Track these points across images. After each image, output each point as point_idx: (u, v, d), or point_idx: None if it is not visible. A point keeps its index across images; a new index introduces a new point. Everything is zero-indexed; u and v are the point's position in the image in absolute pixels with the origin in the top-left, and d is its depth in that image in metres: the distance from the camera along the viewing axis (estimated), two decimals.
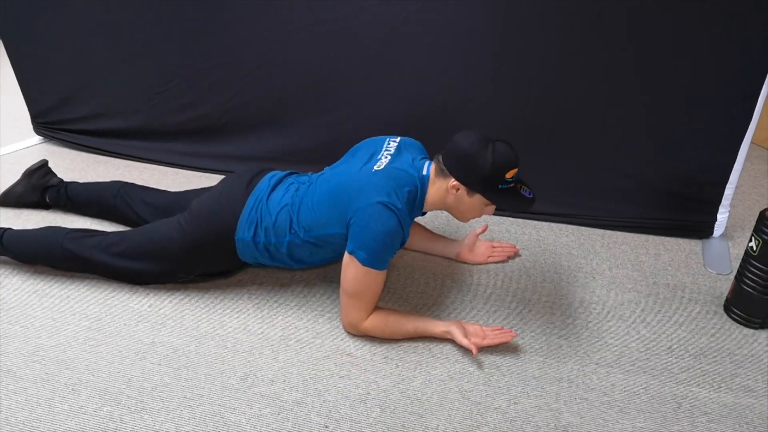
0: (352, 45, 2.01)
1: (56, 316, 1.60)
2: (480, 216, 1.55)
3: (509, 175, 1.43)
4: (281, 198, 1.59)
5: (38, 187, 2.05)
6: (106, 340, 1.53)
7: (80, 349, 1.50)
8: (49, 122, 2.59)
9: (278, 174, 1.68)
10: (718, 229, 1.98)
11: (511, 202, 1.47)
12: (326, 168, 1.67)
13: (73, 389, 1.38)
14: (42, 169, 2.08)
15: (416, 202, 1.51)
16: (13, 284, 1.71)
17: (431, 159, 1.57)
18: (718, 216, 1.96)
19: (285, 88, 2.17)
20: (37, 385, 1.39)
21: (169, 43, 2.22)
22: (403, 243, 1.48)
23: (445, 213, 2.07)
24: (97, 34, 2.28)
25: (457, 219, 1.58)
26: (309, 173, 1.69)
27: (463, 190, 1.47)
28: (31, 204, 2.07)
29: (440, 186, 1.50)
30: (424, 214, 1.63)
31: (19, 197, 2.06)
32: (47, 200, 2.05)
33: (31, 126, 2.65)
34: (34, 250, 1.73)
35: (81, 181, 2.11)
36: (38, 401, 1.35)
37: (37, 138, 2.66)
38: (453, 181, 1.46)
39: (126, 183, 1.98)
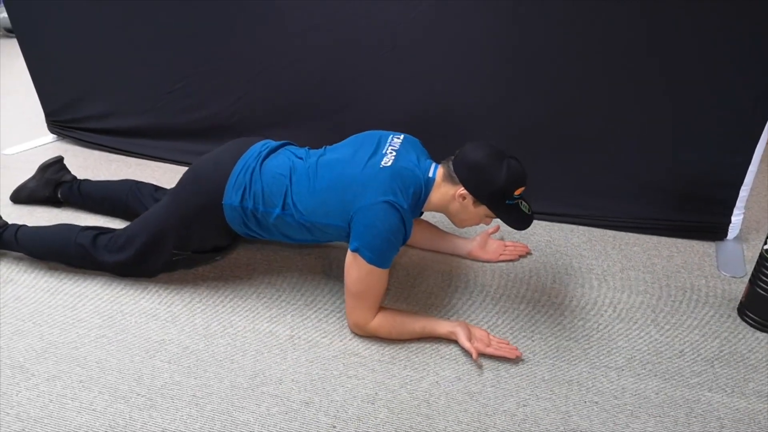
0: (360, 46, 2.01)
1: (69, 313, 1.62)
2: (477, 225, 1.58)
3: (517, 192, 1.46)
4: (276, 167, 1.57)
5: (52, 182, 2.07)
6: (117, 338, 1.54)
7: (92, 347, 1.51)
8: (62, 120, 2.62)
9: (271, 143, 1.67)
10: (733, 231, 1.95)
11: (513, 217, 1.50)
12: (326, 147, 1.65)
13: (83, 386, 1.40)
14: (57, 164, 2.10)
15: (419, 203, 1.52)
16: (26, 281, 1.73)
17: (434, 160, 1.58)
18: (733, 218, 1.93)
19: (293, 88, 2.18)
20: (48, 382, 1.41)
21: (179, 43, 2.23)
22: (404, 240, 1.48)
23: None
24: (108, 35, 2.31)
25: (454, 224, 1.60)
26: (306, 147, 1.68)
27: (469, 199, 1.48)
28: (43, 199, 2.09)
29: (446, 192, 1.50)
30: (421, 214, 1.63)
31: (31, 192, 2.09)
32: (59, 196, 2.07)
33: (45, 124, 2.68)
34: (48, 246, 1.75)
35: (94, 178, 2.13)
36: (50, 397, 1.37)
37: (52, 136, 2.70)
38: (462, 190, 1.47)
39: (138, 181, 2.00)
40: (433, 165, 1.56)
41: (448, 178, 1.50)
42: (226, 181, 1.56)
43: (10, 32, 4.33)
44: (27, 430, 1.29)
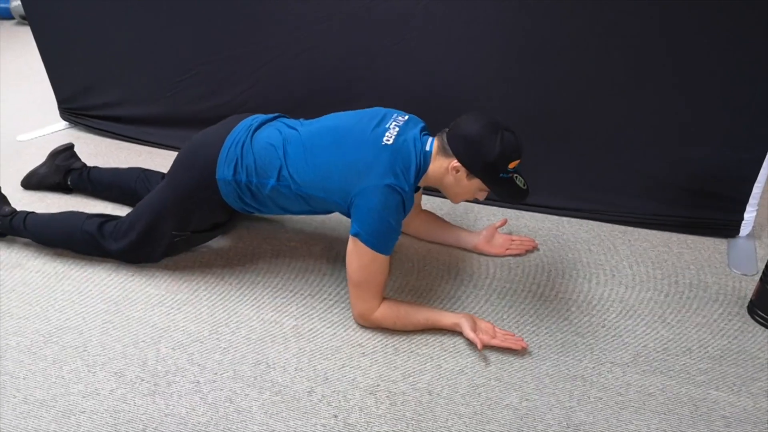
0: (370, 36, 1.99)
1: (75, 298, 1.63)
2: (471, 199, 1.56)
3: (512, 165, 1.43)
4: (267, 138, 1.56)
5: (62, 169, 2.09)
6: (123, 324, 1.55)
7: (98, 332, 1.52)
8: (74, 108, 2.64)
9: (261, 117, 1.66)
10: (745, 228, 1.92)
11: (507, 191, 1.48)
12: (324, 117, 1.63)
13: (89, 370, 1.41)
14: (67, 151, 2.12)
15: (418, 179, 1.50)
16: (35, 266, 1.75)
17: (433, 135, 1.56)
18: (745, 215, 1.90)
19: (304, 77, 2.17)
20: (55, 365, 1.42)
21: (190, 32, 2.23)
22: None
23: (461, 204, 2.07)
24: (120, 24, 2.31)
25: (449, 199, 1.58)
26: (300, 119, 1.67)
27: (463, 172, 1.46)
28: (53, 185, 2.11)
29: (440, 164, 1.48)
30: (418, 189, 1.62)
31: (42, 178, 2.11)
32: (69, 183, 2.09)
33: (57, 111, 2.70)
34: (55, 233, 1.77)
35: (104, 166, 2.15)
36: (56, 381, 1.38)
37: (64, 123, 2.72)
38: (455, 162, 1.45)
39: (146, 169, 2.01)
40: (431, 139, 1.53)
41: (442, 150, 1.48)
42: (218, 156, 1.56)
43: (25, 19, 4.35)
44: (33, 412, 1.30)
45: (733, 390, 1.38)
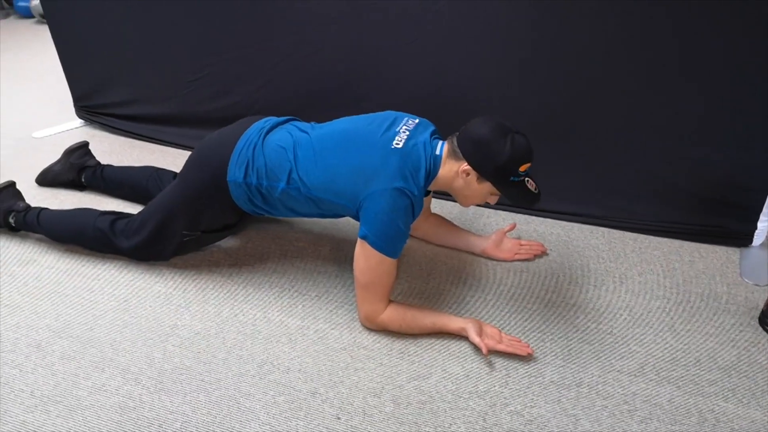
0: (383, 36, 1.99)
1: (86, 295, 1.65)
2: (482, 203, 1.55)
3: (523, 168, 1.42)
4: (278, 141, 1.57)
5: (76, 166, 2.12)
6: (131, 321, 1.57)
7: (107, 329, 1.54)
8: (89, 106, 2.67)
9: (274, 119, 1.67)
10: (758, 237, 1.89)
11: (518, 195, 1.47)
12: (335, 121, 1.64)
13: (97, 367, 1.43)
14: (82, 149, 2.15)
15: (428, 183, 1.50)
16: (47, 262, 1.77)
17: (443, 139, 1.55)
18: (759, 224, 1.87)
19: (316, 77, 2.18)
20: (63, 361, 1.44)
21: (203, 31, 2.25)
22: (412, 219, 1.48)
23: (471, 209, 2.06)
24: (135, 24, 2.35)
25: (460, 203, 1.58)
26: (312, 122, 1.68)
27: (473, 175, 1.45)
28: (67, 182, 2.14)
29: (450, 168, 1.48)
30: (428, 193, 1.62)
31: (56, 175, 2.14)
32: (83, 180, 2.12)
33: (73, 109, 2.73)
34: (68, 229, 1.79)
35: (117, 164, 2.17)
36: (64, 376, 1.40)
37: (79, 121, 2.75)
38: (465, 166, 1.44)
39: (159, 168, 2.03)
40: (441, 143, 1.53)
41: (452, 154, 1.48)
42: (229, 158, 1.57)
43: (44, 18, 4.42)
44: (40, 407, 1.32)
45: (742, 402, 1.36)
